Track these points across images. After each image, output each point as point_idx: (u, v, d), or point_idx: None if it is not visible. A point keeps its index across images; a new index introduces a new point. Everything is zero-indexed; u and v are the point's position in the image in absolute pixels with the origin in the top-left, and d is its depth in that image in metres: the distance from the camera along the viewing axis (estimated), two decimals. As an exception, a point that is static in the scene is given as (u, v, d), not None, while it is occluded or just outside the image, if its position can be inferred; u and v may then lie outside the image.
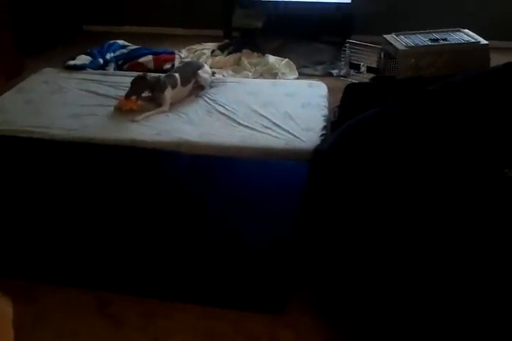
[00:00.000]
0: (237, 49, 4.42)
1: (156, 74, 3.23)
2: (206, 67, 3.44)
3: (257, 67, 4.14)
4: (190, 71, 3.29)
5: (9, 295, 2.08)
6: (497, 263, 1.66)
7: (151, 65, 3.93)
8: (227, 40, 4.70)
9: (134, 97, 3.04)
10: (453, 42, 3.57)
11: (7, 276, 2.19)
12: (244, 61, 4.21)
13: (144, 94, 3.08)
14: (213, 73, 3.64)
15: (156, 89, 3.07)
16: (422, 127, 2.16)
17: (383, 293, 1.80)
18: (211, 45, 4.59)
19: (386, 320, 1.80)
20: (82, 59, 3.89)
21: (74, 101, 3.19)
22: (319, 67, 4.30)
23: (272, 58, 4.25)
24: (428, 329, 1.68)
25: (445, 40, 3.58)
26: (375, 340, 1.87)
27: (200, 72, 3.30)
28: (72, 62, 3.78)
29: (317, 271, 2.13)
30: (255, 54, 4.36)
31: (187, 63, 3.61)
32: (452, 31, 3.72)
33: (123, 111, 3.02)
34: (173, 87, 3.11)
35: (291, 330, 1.94)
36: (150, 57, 4.04)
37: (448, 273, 1.68)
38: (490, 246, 1.72)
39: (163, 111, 3.04)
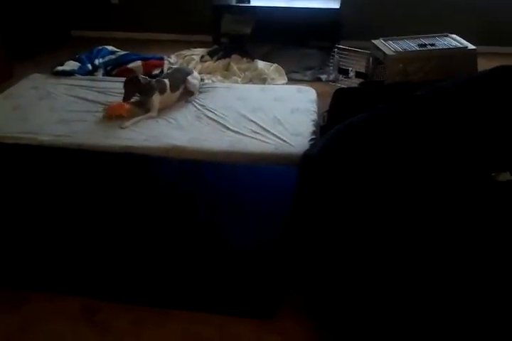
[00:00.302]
0: (226, 54, 4.42)
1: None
2: (195, 73, 3.45)
3: (246, 73, 4.15)
4: (180, 77, 3.29)
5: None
6: (483, 264, 1.67)
7: (140, 71, 3.92)
8: (216, 46, 4.71)
9: (123, 102, 3.04)
10: (441, 47, 3.59)
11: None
12: (234, 66, 4.21)
13: (133, 98, 3.08)
14: (202, 79, 3.64)
15: (144, 92, 3.07)
16: (410, 132, 2.17)
17: (374, 298, 1.79)
18: (200, 51, 4.59)
19: (378, 324, 1.80)
20: (71, 65, 3.88)
21: (62, 107, 3.17)
22: (308, 72, 4.32)
23: (261, 63, 4.26)
24: (421, 335, 1.68)
25: (433, 45, 3.61)
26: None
27: (189, 77, 3.31)
28: (60, 68, 3.77)
29: (307, 276, 2.13)
30: (244, 59, 4.36)
31: (176, 69, 3.61)
32: (440, 36, 3.75)
33: (112, 117, 3.01)
34: (162, 92, 3.10)
35: (278, 336, 1.93)
36: (139, 62, 4.04)
37: (439, 278, 1.68)
38: (479, 247, 1.72)
39: (152, 117, 3.03)
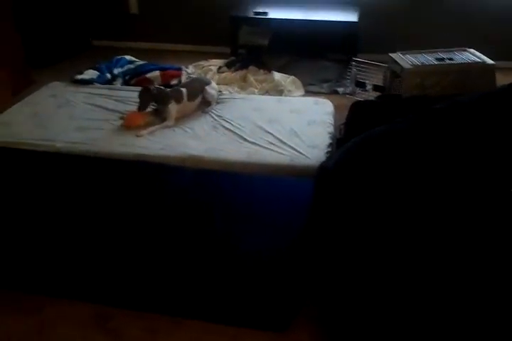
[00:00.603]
0: (244, 66, 4.45)
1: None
2: (213, 84, 3.47)
3: (263, 84, 4.16)
4: (198, 86, 3.31)
5: (12, 307, 2.09)
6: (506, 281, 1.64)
7: (158, 81, 3.95)
8: (233, 57, 4.73)
9: (141, 112, 3.07)
10: (459, 61, 3.58)
11: (10, 288, 2.19)
12: (251, 78, 4.23)
13: (149, 107, 3.10)
14: (220, 90, 3.65)
15: (159, 101, 3.09)
16: (428, 146, 2.16)
17: (389, 312, 1.77)
18: (218, 62, 4.62)
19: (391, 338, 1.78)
20: (90, 73, 3.92)
21: (80, 115, 3.21)
22: (325, 85, 4.32)
23: (278, 75, 4.27)
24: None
25: (451, 59, 3.60)
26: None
27: (207, 87, 3.33)
28: (79, 77, 3.82)
29: (321, 288, 2.11)
30: (261, 71, 4.38)
31: (195, 79, 3.63)
32: (458, 51, 3.74)
33: (131, 128, 3.03)
34: (178, 101, 3.12)
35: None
36: (157, 72, 4.07)
37: (456, 294, 1.66)
38: (498, 263, 1.70)
39: (169, 126, 3.05)
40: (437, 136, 2.20)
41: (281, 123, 3.06)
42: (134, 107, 3.23)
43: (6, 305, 2.12)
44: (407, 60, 3.62)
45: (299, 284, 2.06)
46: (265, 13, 4.63)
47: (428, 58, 3.63)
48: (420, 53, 3.72)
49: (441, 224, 1.87)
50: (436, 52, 3.73)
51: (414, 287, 1.73)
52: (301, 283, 2.08)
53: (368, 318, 1.85)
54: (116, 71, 4.13)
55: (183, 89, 3.20)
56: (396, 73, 3.70)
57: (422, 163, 2.10)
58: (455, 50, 3.75)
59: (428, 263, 1.75)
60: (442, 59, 3.60)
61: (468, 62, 3.56)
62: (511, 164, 2.10)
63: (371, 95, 3.95)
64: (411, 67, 3.52)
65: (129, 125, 3.05)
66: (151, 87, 3.09)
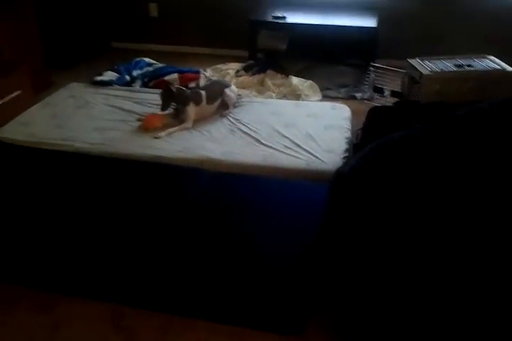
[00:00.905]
0: (262, 70, 4.46)
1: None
2: (233, 87, 3.48)
3: (281, 88, 4.17)
4: (217, 89, 3.33)
5: (27, 304, 2.11)
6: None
7: (176, 83, 3.97)
8: (251, 61, 4.75)
9: (159, 114, 3.09)
10: (478, 68, 3.56)
11: (26, 285, 2.22)
12: (268, 82, 4.24)
13: (170, 107, 3.14)
14: (239, 94, 3.66)
15: (179, 102, 3.11)
16: (446, 152, 2.14)
17: (404, 321, 1.76)
18: (236, 65, 4.65)
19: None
20: (109, 75, 3.96)
21: (99, 116, 3.24)
22: (343, 90, 4.32)
23: (295, 80, 4.28)
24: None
25: (470, 66, 3.58)
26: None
27: (226, 90, 3.34)
28: (99, 78, 3.85)
29: (335, 294, 2.10)
30: (279, 75, 4.39)
31: (214, 82, 3.65)
32: (478, 57, 3.71)
33: (149, 130, 3.05)
34: (197, 103, 3.14)
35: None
36: (175, 75, 4.10)
37: (472, 305, 1.65)
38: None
39: (187, 128, 3.07)
40: (456, 143, 2.19)
41: (298, 128, 3.06)
42: (152, 109, 3.25)
43: (21, 302, 2.15)
44: (425, 66, 3.60)
45: (313, 289, 2.05)
46: (284, 18, 4.64)
47: (447, 64, 3.61)
48: (439, 59, 3.70)
49: (458, 232, 1.85)
50: (456, 58, 3.70)
51: (430, 295, 1.72)
52: (315, 287, 2.07)
53: (382, 324, 1.84)
54: (135, 73, 4.16)
55: (202, 92, 3.22)
56: (415, 79, 3.69)
57: (439, 170, 2.09)
58: (474, 57, 3.72)
59: (447, 271, 1.74)
60: (461, 65, 3.58)
61: (488, 69, 3.53)
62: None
63: (389, 101, 3.94)
64: (430, 73, 3.51)
65: (147, 127, 3.07)
66: (172, 87, 3.12)
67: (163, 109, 3.08)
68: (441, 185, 2.02)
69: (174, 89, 3.09)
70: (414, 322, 1.74)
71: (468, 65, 3.58)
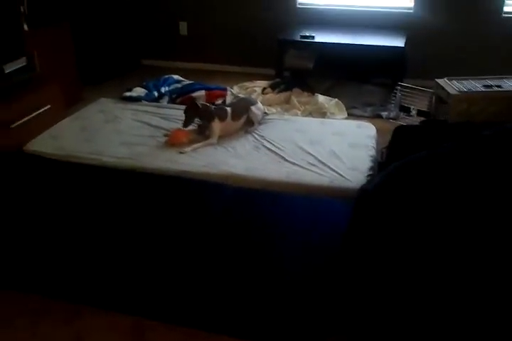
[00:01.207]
0: (288, 88, 4.49)
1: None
2: (259, 104, 3.50)
3: (307, 106, 4.19)
4: (243, 106, 3.35)
5: (50, 315, 2.13)
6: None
7: (203, 100, 4.03)
8: (278, 79, 4.79)
9: (185, 130, 3.13)
10: (507, 89, 3.52)
11: (49, 296, 2.24)
12: (294, 100, 4.26)
13: (193, 124, 3.16)
14: (265, 112, 3.69)
15: (204, 118, 3.15)
16: (472, 172, 2.12)
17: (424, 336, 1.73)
18: (262, 83, 4.69)
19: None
20: (138, 91, 4.03)
21: (127, 131, 3.29)
22: (369, 109, 4.31)
23: (321, 98, 4.29)
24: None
25: (499, 86, 3.55)
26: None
27: (253, 108, 3.36)
28: (128, 94, 3.93)
29: (355, 314, 2.07)
30: (305, 93, 4.42)
31: (241, 99, 3.69)
32: (507, 78, 3.68)
33: (174, 145, 3.09)
34: (222, 119, 3.17)
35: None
36: (203, 92, 4.16)
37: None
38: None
39: (211, 144, 3.10)
40: (481, 162, 2.16)
41: (322, 145, 3.06)
42: (178, 125, 3.29)
43: (44, 313, 2.17)
44: (453, 85, 3.58)
45: (333, 306, 2.03)
46: (312, 37, 4.68)
47: (475, 85, 3.58)
48: (467, 79, 3.68)
49: (482, 251, 1.82)
50: (485, 79, 3.68)
51: (454, 311, 1.69)
52: (335, 305, 2.05)
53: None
54: (163, 89, 4.23)
55: (228, 108, 3.25)
56: (442, 99, 3.67)
57: (464, 189, 2.06)
58: (504, 78, 3.69)
59: (469, 290, 1.71)
60: (490, 86, 3.55)
61: (517, 90, 3.50)
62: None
63: (415, 120, 3.91)
64: (458, 93, 3.49)
65: (172, 142, 3.11)
66: (198, 103, 3.15)
67: (185, 124, 3.12)
68: (465, 204, 1.99)
69: (200, 105, 3.13)
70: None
71: (497, 86, 3.55)
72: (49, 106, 3.58)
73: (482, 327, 1.64)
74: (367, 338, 1.98)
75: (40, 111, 3.51)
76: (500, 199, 1.97)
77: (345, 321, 2.08)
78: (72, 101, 4.30)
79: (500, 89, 3.52)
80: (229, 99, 4.10)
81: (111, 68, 5.18)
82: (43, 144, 3.10)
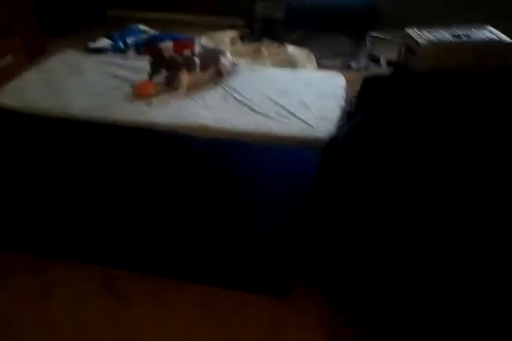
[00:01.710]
0: (257, 38, 4.42)
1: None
2: (228, 55, 3.44)
3: (276, 57, 4.13)
4: (212, 57, 3.29)
5: (21, 268, 2.14)
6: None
7: (170, 51, 3.92)
8: (247, 30, 4.70)
9: (152, 81, 3.07)
10: (476, 39, 3.52)
11: (20, 250, 2.24)
12: (264, 50, 4.20)
13: (160, 76, 3.10)
14: (234, 63, 3.63)
15: (170, 68, 3.08)
16: (441, 121, 2.14)
17: (394, 285, 1.80)
18: (231, 34, 4.59)
19: (390, 310, 1.81)
20: (103, 42, 3.93)
21: (92, 83, 3.22)
22: (338, 59, 4.28)
23: (291, 49, 4.24)
24: (428, 322, 1.68)
25: (468, 36, 3.54)
26: (380, 331, 1.88)
27: (221, 58, 3.30)
28: (93, 45, 3.83)
29: (323, 259, 2.14)
30: (275, 44, 4.35)
31: (210, 49, 3.62)
32: (476, 28, 3.67)
33: (142, 96, 3.03)
34: (190, 70, 3.11)
35: (293, 313, 1.96)
36: (169, 42, 4.05)
37: (450, 270, 1.68)
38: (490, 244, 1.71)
39: (180, 95, 3.05)
40: (450, 111, 2.19)
41: (292, 96, 3.05)
42: (146, 76, 3.22)
43: (16, 267, 2.17)
44: (423, 35, 3.57)
45: (302, 253, 2.09)
46: (281, -14, 4.57)
47: (444, 34, 3.57)
48: (436, 29, 3.66)
49: (447, 200, 1.87)
50: (453, 28, 3.66)
51: (421, 259, 1.75)
52: (303, 250, 2.10)
53: (371, 288, 1.88)
54: (129, 40, 4.12)
55: (196, 59, 3.19)
56: (411, 49, 3.66)
57: (433, 138, 2.09)
58: (473, 27, 3.68)
59: (440, 236, 1.77)
60: (459, 36, 3.54)
61: (486, 40, 3.50)
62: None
63: (385, 70, 3.91)
64: (427, 43, 3.48)
65: (139, 94, 3.05)
66: (164, 53, 3.08)
67: (151, 76, 3.06)
68: (432, 152, 2.03)
69: (166, 55, 3.05)
70: (405, 288, 1.78)
71: (466, 36, 3.55)
72: (10, 56, 3.45)
73: (447, 267, 1.71)
74: (338, 283, 2.06)
75: (1, 61, 3.38)
76: (464, 144, 2.01)
77: (315, 268, 2.15)
78: (35, 54, 4.16)
79: (469, 39, 3.52)
80: (197, 50, 4.02)
81: (75, 19, 4.98)
82: (7, 97, 3.01)
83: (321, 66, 4.11)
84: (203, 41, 4.35)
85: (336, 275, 2.06)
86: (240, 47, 4.31)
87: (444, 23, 3.77)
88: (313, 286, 2.07)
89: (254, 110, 2.88)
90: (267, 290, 2.01)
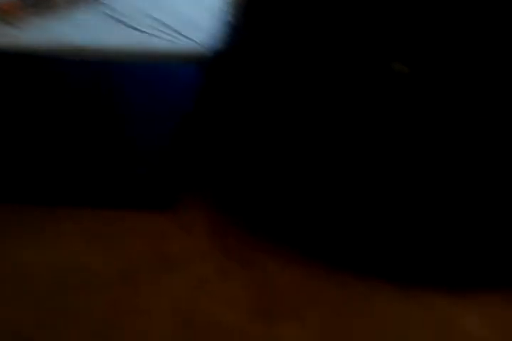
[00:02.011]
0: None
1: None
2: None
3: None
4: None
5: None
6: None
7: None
8: None
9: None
10: None
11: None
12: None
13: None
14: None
15: None
16: (316, 23, 2.13)
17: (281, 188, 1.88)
18: None
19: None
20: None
21: None
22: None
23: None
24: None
25: None
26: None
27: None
28: None
29: (211, 168, 2.18)
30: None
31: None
32: None
33: (7, 18, 2.78)
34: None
35: (181, 225, 2.00)
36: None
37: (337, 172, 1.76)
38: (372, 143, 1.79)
39: (47, 14, 2.83)
40: (325, 11, 2.16)
41: (170, 9, 2.91)
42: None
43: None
44: None
45: (184, 166, 2.11)
46: None
47: None
48: None
49: (324, 99, 1.92)
50: None
51: (302, 164, 1.81)
52: (187, 165, 2.12)
53: (257, 192, 1.95)
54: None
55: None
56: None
57: (313, 41, 2.08)
58: None
59: (314, 139, 1.83)
60: None
61: None
62: (392, 35, 2.08)
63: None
64: None
65: (2, 15, 2.81)
66: None
67: None
68: (315, 54, 2.03)
69: None
70: (294, 189, 1.86)
71: None
72: None
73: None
74: (225, 193, 2.11)
75: None
76: (334, 44, 2.03)
77: (204, 179, 2.18)
78: None
79: None
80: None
81: None
82: None
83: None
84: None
85: (229, 180, 2.11)
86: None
87: None
88: (200, 200, 2.10)
89: (127, 25, 2.73)
90: (150, 204, 2.02)
